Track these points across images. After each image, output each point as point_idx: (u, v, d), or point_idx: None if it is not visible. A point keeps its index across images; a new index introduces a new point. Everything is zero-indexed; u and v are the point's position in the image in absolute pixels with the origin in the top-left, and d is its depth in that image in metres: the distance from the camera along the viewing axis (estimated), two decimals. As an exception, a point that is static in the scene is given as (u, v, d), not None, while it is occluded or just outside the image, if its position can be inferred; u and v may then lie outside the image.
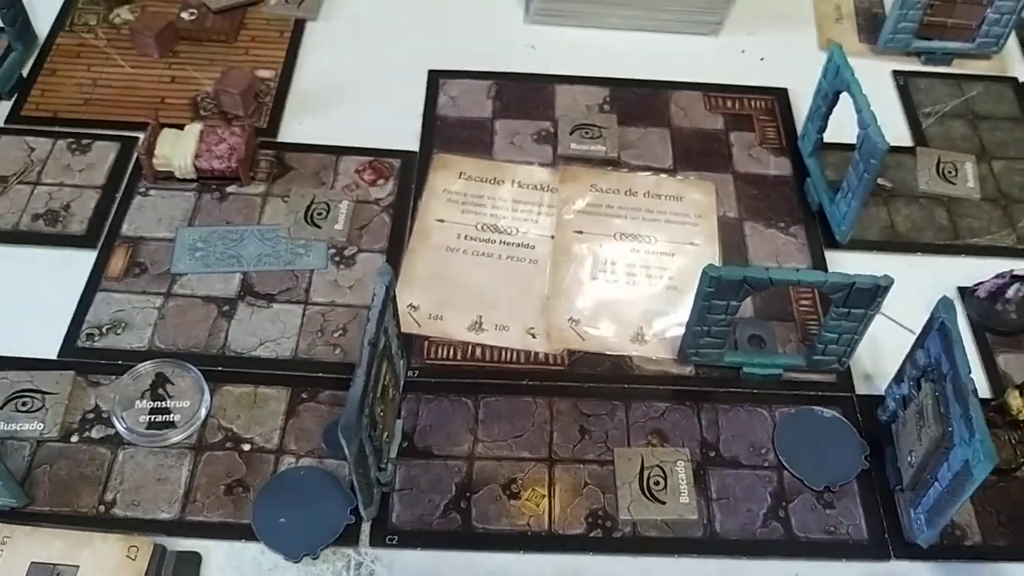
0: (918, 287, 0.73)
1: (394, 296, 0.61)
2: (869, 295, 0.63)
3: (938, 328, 0.61)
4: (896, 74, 0.92)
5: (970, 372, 0.58)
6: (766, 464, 0.66)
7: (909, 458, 0.63)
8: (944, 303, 0.61)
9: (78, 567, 0.57)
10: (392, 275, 0.59)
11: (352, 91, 0.86)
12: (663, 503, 0.63)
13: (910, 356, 0.64)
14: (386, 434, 0.61)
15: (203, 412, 0.64)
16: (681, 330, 0.70)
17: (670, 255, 0.77)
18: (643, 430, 0.67)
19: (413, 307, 0.72)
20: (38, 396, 0.64)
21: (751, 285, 0.63)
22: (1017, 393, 0.65)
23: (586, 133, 0.84)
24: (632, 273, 0.75)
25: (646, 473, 0.64)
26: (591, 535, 0.62)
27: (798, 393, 0.70)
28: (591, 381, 0.69)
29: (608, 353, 0.71)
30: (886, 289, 0.63)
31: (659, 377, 0.70)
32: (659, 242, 0.77)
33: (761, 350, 0.71)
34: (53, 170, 0.78)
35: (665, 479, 0.64)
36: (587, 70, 0.90)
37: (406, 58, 0.89)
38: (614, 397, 0.68)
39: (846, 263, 0.77)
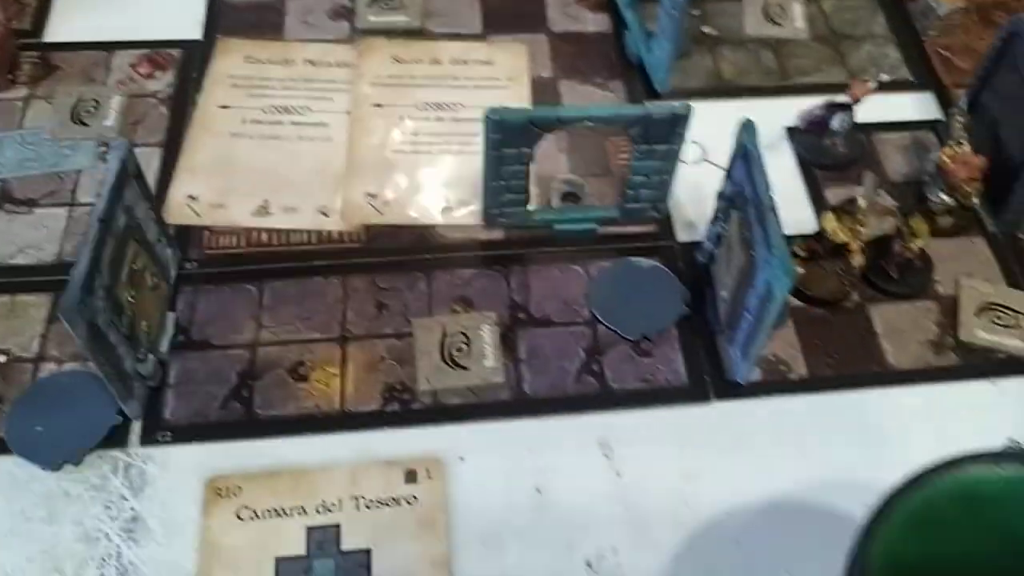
0: None
1: (142, 178, 0.55)
2: (667, 126, 0.59)
3: (741, 154, 0.57)
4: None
5: (769, 189, 0.54)
6: (579, 320, 0.61)
7: (723, 294, 0.59)
8: (745, 126, 0.56)
9: None
10: (127, 149, 0.53)
11: (127, -17, 0.79)
12: (466, 369, 0.58)
13: (720, 191, 0.60)
14: (145, 324, 0.55)
15: (-50, 327, 0.58)
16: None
17: (475, 121, 0.71)
18: (447, 299, 0.62)
19: (192, 198, 0.66)
20: None
21: (538, 126, 0.58)
22: (831, 215, 0.61)
23: (385, 4, 0.78)
24: (437, 143, 0.70)
25: (447, 341, 0.59)
26: (387, 409, 0.57)
27: (618, 247, 0.65)
28: (391, 255, 0.64)
29: (410, 225, 0.65)
30: (685, 118, 0.59)
31: (466, 244, 0.65)
32: (466, 108, 0.72)
33: (576, 206, 0.67)
34: None
35: (469, 344, 0.59)
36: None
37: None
38: (416, 269, 0.63)
39: (667, 112, 0.73)
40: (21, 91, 0.71)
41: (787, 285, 0.50)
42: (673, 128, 0.59)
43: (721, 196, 0.59)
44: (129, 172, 0.53)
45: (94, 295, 0.48)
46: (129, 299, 0.53)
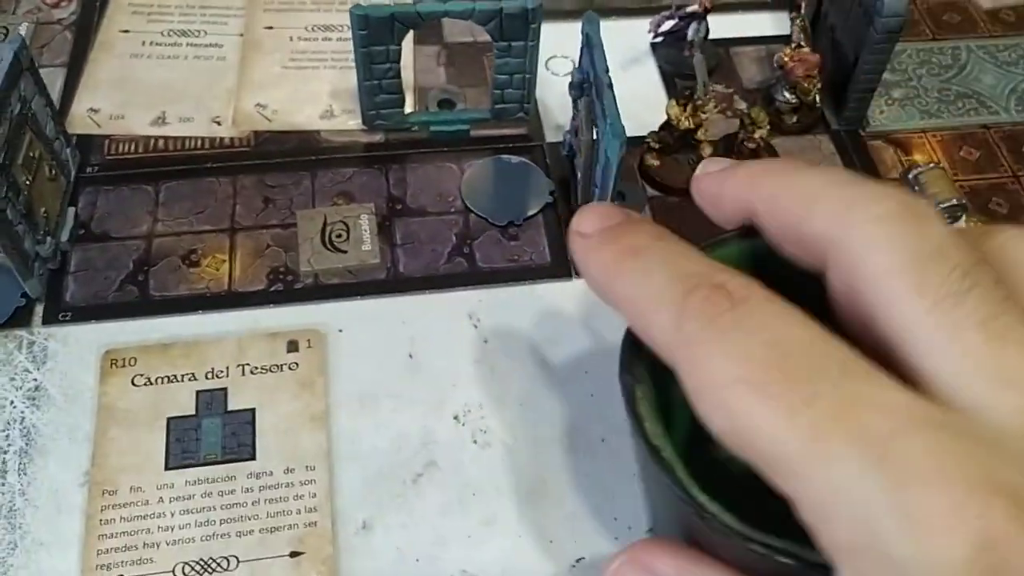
0: (612, 50, 0.75)
1: (36, 73, 0.60)
2: (522, 22, 0.65)
3: (585, 43, 0.63)
4: None
5: (607, 71, 0.59)
6: (452, 210, 0.67)
7: (578, 178, 0.66)
8: (588, 17, 0.62)
9: None
10: (22, 43, 0.58)
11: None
12: (344, 252, 0.64)
13: (570, 83, 0.66)
14: (44, 210, 0.60)
15: None
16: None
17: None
18: (329, 194, 0.67)
19: (93, 110, 0.71)
20: None
21: (402, 22, 0.64)
22: (674, 102, 0.67)
23: (286, -63, 0.83)
24: (323, 60, 0.75)
25: (328, 228, 0.65)
26: (272, 289, 0.62)
27: (490, 147, 0.71)
28: (278, 157, 0.69)
29: (296, 130, 0.71)
30: (536, 11, 0.64)
31: (348, 146, 0.70)
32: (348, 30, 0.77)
33: (451, 111, 0.72)
34: None
35: (348, 231, 0.65)
36: None
37: None
38: (301, 169, 0.69)
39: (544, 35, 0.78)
40: (-71, 21, 0.75)
41: (617, 144, 0.56)
42: (527, 24, 0.65)
43: (571, 86, 0.65)
44: (23, 64, 0.58)
45: (-14, 175, 0.53)
46: (26, 181, 0.58)
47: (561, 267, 0.65)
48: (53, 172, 0.62)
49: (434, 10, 0.64)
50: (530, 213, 0.67)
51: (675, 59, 0.78)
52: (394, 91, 0.68)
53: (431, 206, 0.67)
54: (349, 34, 0.76)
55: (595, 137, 0.61)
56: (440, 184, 0.69)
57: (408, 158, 0.70)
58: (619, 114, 0.57)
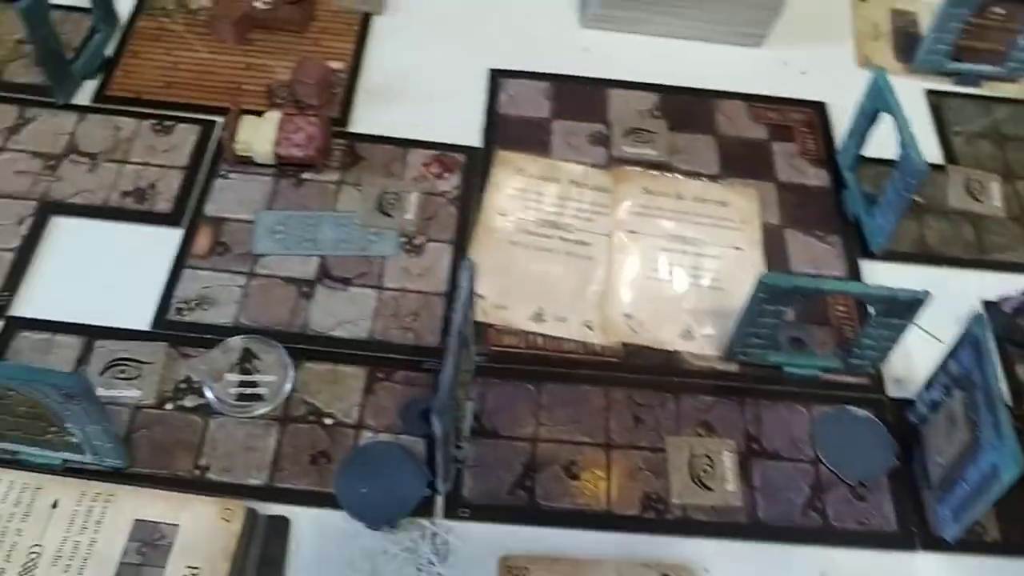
0: (946, 299, 0.78)
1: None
2: (907, 307, 0.69)
3: (971, 342, 0.66)
4: (929, 93, 0.97)
5: (999, 383, 0.63)
6: (804, 458, 0.71)
7: (937, 459, 0.69)
8: (977, 320, 0.66)
9: (178, 526, 0.62)
10: (474, 268, 0.64)
11: (417, 85, 0.91)
12: (711, 490, 0.68)
13: (943, 366, 0.70)
14: (462, 414, 0.66)
15: (288, 387, 0.69)
16: (726, 328, 0.75)
17: (716, 258, 0.82)
18: (691, 420, 0.72)
19: (480, 296, 0.77)
20: (134, 365, 0.69)
21: (802, 293, 0.68)
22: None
23: (638, 137, 0.89)
24: (681, 273, 0.80)
25: (694, 462, 0.69)
26: (645, 516, 0.67)
27: (834, 393, 0.75)
28: (644, 373, 0.74)
29: (659, 348, 0.76)
30: (923, 303, 0.68)
31: (706, 372, 0.75)
32: (706, 245, 0.82)
33: (801, 351, 0.77)
34: (139, 149, 0.82)
35: (713, 467, 0.69)
36: (638, 75, 0.94)
37: (468, 55, 0.94)
38: (665, 389, 0.73)
39: (879, 273, 0.82)
40: (334, 175, 0.82)
41: (1015, 472, 0.60)
42: (910, 309, 0.69)
43: (946, 372, 0.69)
44: (472, 287, 0.64)
45: (451, 396, 0.59)
46: (460, 397, 0.63)
47: (907, 538, 0.68)
48: (467, 376, 0.68)
49: (833, 289, 0.68)
50: (877, 474, 0.71)
51: (1009, 325, 0.80)
52: (768, 340, 0.72)
53: (784, 450, 0.71)
54: (704, 250, 0.82)
55: (974, 439, 0.64)
56: (791, 428, 0.73)
57: (761, 393, 0.74)
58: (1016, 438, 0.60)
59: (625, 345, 0.76)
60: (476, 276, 0.63)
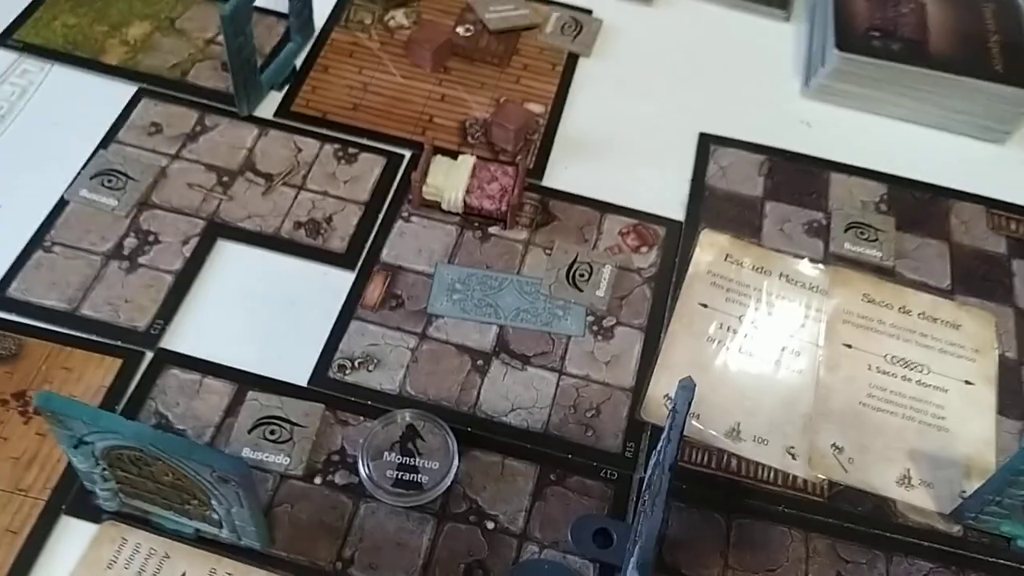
0: None
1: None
2: None
3: None
4: None
5: None
6: (1036, 661, 0.60)
7: None
8: None
9: (316, 626, 0.54)
10: (694, 390, 0.54)
11: (619, 142, 0.82)
12: None
13: None
14: (648, 551, 0.57)
15: (451, 476, 0.61)
16: (946, 478, 0.64)
17: (942, 391, 0.71)
18: (904, 590, 0.61)
19: (669, 398, 0.67)
20: (287, 427, 0.62)
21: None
22: None
23: (861, 234, 0.78)
24: (901, 404, 0.69)
25: (907, 645, 0.59)
26: None
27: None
28: (851, 521, 0.64)
29: (871, 492, 0.65)
30: None
31: (924, 531, 0.64)
32: (932, 373, 0.71)
33: (1039, 524, 0.65)
34: (318, 176, 0.76)
35: (927, 654, 0.59)
36: (863, 160, 0.84)
37: (676, 114, 0.85)
38: (875, 545, 0.63)
39: None
40: (522, 234, 0.74)
41: None
42: None
43: None
44: (688, 412, 0.55)
45: (657, 546, 0.50)
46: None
47: None
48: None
49: (1123, 471, 0.57)
50: None
51: None
52: (1010, 510, 0.61)
53: (1012, 648, 0.60)
54: (929, 379, 0.71)
55: None
56: (1022, 617, 0.61)
57: (986, 568, 0.63)
58: None
59: (832, 484, 0.65)
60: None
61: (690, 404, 0.54)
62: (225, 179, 0.74)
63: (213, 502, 0.53)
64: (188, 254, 0.70)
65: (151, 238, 0.70)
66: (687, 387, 0.54)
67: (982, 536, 0.64)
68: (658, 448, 0.56)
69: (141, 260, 0.69)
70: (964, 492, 0.65)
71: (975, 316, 0.75)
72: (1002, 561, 0.63)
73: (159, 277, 0.68)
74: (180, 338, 0.66)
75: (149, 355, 0.65)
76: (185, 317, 0.67)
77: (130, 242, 0.70)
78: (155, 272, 0.69)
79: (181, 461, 0.49)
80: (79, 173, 0.73)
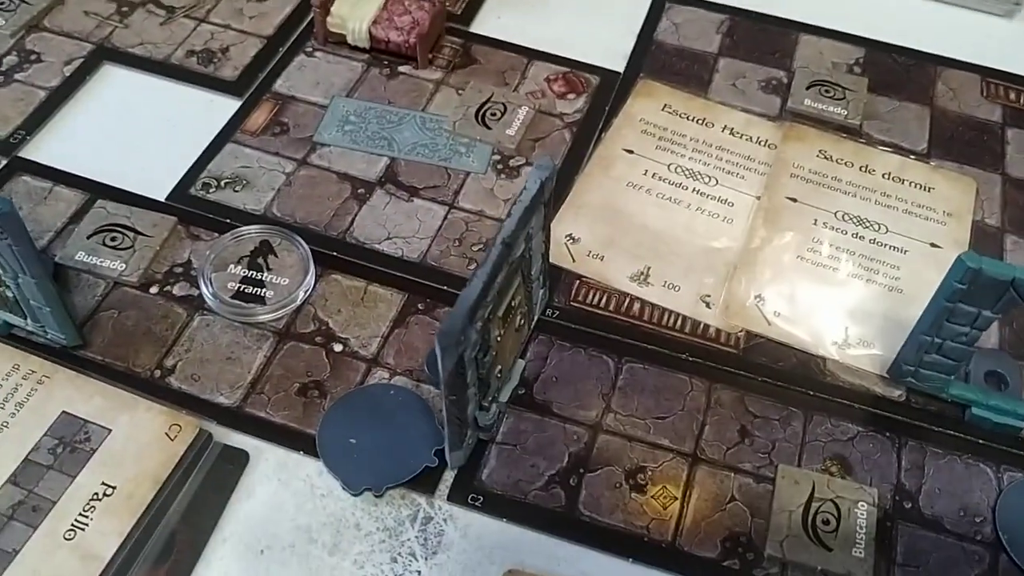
0: None
1: (549, 207, 0.49)
2: None
3: None
4: None
5: None
6: (978, 537, 0.49)
7: None
8: None
9: (110, 431, 0.48)
10: (553, 171, 0.46)
11: (564, -3, 0.75)
12: (829, 549, 0.48)
13: None
14: (499, 368, 0.49)
15: (301, 295, 0.55)
16: (896, 342, 0.54)
17: (901, 251, 0.61)
18: (822, 452, 0.52)
19: (572, 238, 0.59)
20: (130, 234, 0.56)
21: (1020, 293, 0.47)
22: None
23: (826, 91, 0.69)
24: (847, 261, 0.60)
25: (815, 506, 0.49)
26: (724, 563, 0.47)
27: (1037, 457, 0.52)
28: (768, 376, 0.54)
29: (796, 348, 0.56)
30: None
31: (857, 393, 0.54)
32: (890, 233, 0.62)
33: (999, 390, 0.54)
34: (224, 11, 0.71)
35: (838, 520, 0.49)
36: (842, 24, 0.74)
37: (634, -32, 0.77)
38: (793, 402, 0.53)
39: None
40: (435, 74, 0.68)
41: None
42: None
43: None
44: (544, 198, 0.47)
45: (473, 326, 0.42)
46: (497, 338, 0.46)
47: None
48: (520, 322, 0.51)
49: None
50: (1086, 585, 0.48)
51: None
52: (954, 358, 0.51)
53: (950, 521, 0.50)
54: (886, 239, 0.61)
55: None
56: (967, 492, 0.51)
57: (931, 436, 0.53)
58: None
59: (750, 334, 0.56)
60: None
61: (544, 184, 0.46)
62: (124, 9, 0.70)
63: (-1, 272, 0.47)
64: (68, 73, 0.65)
65: (33, 57, 0.66)
66: (542, 166, 0.46)
67: (928, 403, 0.54)
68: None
69: (17, 77, 0.65)
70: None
71: (952, 180, 0.65)
72: (953, 432, 0.53)
73: (31, 92, 0.64)
74: (40, 150, 0.61)
75: (2, 162, 0.60)
76: (51, 131, 0.62)
77: (9, 59, 0.66)
78: (28, 87, 0.64)
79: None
80: (-29, -4, 0.70)
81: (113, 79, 0.66)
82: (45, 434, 0.48)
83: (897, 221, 0.62)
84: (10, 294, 0.48)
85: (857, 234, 0.61)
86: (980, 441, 0.53)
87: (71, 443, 0.48)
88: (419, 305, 0.55)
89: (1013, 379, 0.55)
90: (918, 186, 0.64)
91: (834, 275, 0.59)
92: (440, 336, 0.40)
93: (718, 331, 0.56)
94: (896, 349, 0.54)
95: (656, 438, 0.51)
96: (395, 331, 0.54)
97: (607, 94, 0.68)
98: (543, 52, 0.70)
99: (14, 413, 0.48)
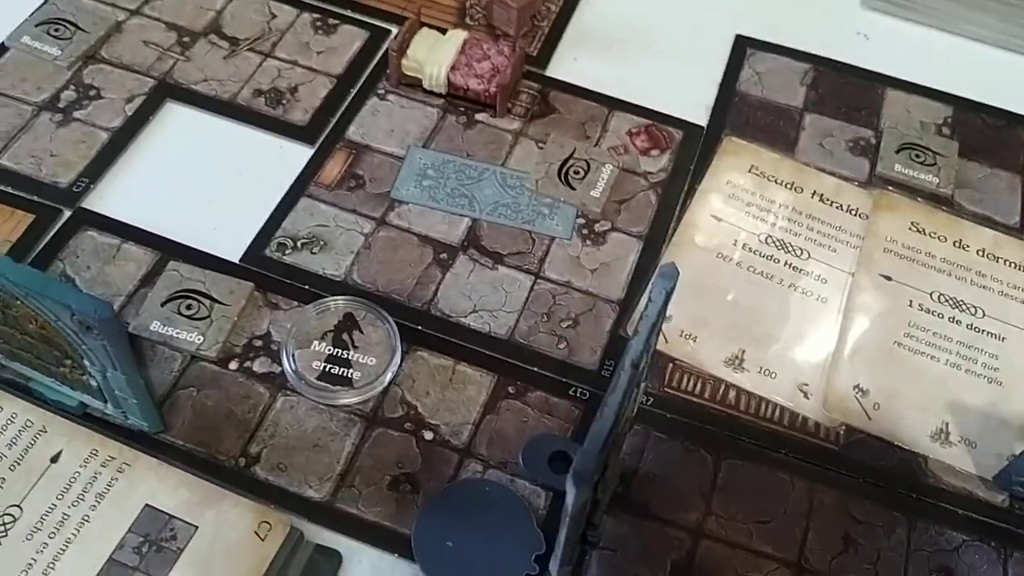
0: None
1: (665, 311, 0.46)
2: None
3: None
4: None
5: None
6: (1086, 662, 0.48)
7: None
8: None
9: (197, 528, 0.45)
10: (676, 280, 0.44)
11: (642, 37, 0.72)
12: (939, 673, 0.46)
13: None
14: (612, 476, 0.46)
15: (388, 376, 0.52)
16: (995, 440, 0.53)
17: (998, 338, 0.59)
18: (927, 563, 0.50)
19: (666, 318, 0.57)
20: (206, 302, 0.53)
21: None
22: None
23: (916, 156, 0.66)
24: (944, 349, 0.58)
25: (923, 626, 0.48)
26: None
27: None
28: (869, 476, 0.52)
29: (897, 445, 0.54)
30: None
31: (959, 496, 0.52)
32: (987, 318, 0.60)
33: (1104, 500, 0.53)
34: (290, 45, 0.67)
35: (947, 642, 0.47)
36: (928, 79, 0.72)
37: (711, 14, 0.74)
38: (896, 506, 0.52)
39: None
40: (514, 123, 0.64)
41: None
42: None
43: None
44: (666, 306, 0.44)
45: (602, 455, 0.40)
46: (612, 454, 0.44)
47: None
48: (628, 427, 0.48)
49: None
50: None
51: None
52: (1072, 473, 0.49)
53: (1058, 643, 0.48)
54: (982, 323, 0.59)
55: None
56: (1074, 609, 0.49)
57: (1034, 546, 0.51)
58: None
59: (850, 430, 0.54)
60: (673, 291, 0.43)
61: (669, 295, 0.43)
62: (186, 39, 0.66)
63: (86, 362, 0.44)
64: (130, 112, 0.62)
65: (92, 92, 0.62)
66: (667, 275, 0.43)
67: (1029, 506, 0.53)
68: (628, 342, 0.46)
69: (77, 115, 0.61)
70: (1014, 455, 0.53)
71: (1047, 259, 0.63)
72: (1055, 541, 0.52)
73: (93, 133, 0.60)
74: (106, 200, 0.58)
75: (67, 213, 0.57)
76: (116, 178, 0.59)
77: (68, 95, 0.62)
78: (89, 128, 0.61)
79: (38, 300, 0.41)
80: (25, 20, 0.66)
81: (177, 119, 0.62)
82: (129, 530, 0.45)
83: (994, 304, 0.60)
84: (94, 383, 0.46)
85: (954, 318, 0.59)
86: (1089, 554, 0.52)
87: (157, 541, 0.45)
88: (510, 388, 0.53)
89: (1117, 486, 0.54)
90: (1013, 265, 0.62)
91: (932, 364, 0.57)
92: (575, 476, 0.38)
93: (817, 425, 0.54)
94: (995, 447, 0.53)
95: (759, 545, 0.49)
96: (486, 417, 0.52)
97: (691, 150, 0.65)
98: (623, 101, 0.67)
99: (95, 505, 0.46)
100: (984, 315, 0.60)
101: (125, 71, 0.64)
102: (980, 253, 0.63)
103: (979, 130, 0.69)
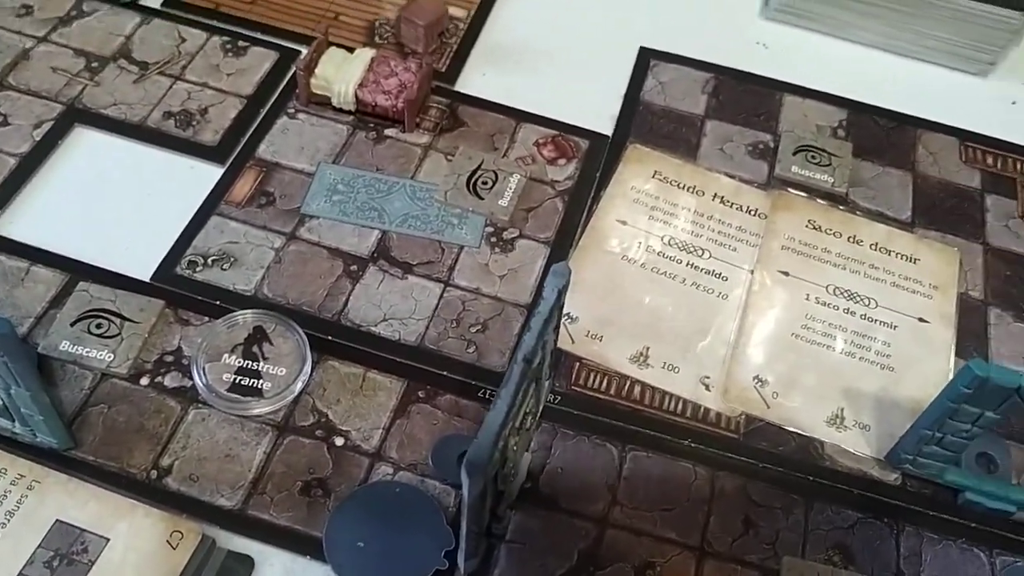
0: None
1: (562, 309, 0.48)
2: None
3: None
4: None
5: None
6: (975, 626, 0.50)
7: None
8: None
9: (108, 540, 0.46)
10: (568, 278, 0.46)
11: (549, 52, 0.74)
12: (836, 646, 0.48)
13: None
14: (512, 470, 0.48)
15: (299, 385, 0.53)
16: (887, 422, 0.55)
17: (890, 327, 0.62)
18: (824, 541, 0.52)
19: (570, 318, 0.59)
20: (117, 321, 0.54)
21: None
22: None
23: (812, 158, 0.69)
24: (840, 339, 0.60)
25: (821, 600, 0.50)
26: (736, 663, 0.48)
27: (1026, 540, 0.54)
28: (769, 462, 0.55)
29: (794, 431, 0.56)
30: None
31: (854, 477, 0.55)
32: (879, 308, 0.62)
33: (991, 474, 0.56)
34: (200, 68, 0.68)
35: (844, 614, 0.49)
36: (824, 85, 0.75)
37: (616, 27, 0.76)
38: (794, 489, 0.54)
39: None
40: (423, 138, 0.66)
41: None
42: None
43: None
44: (560, 303, 0.46)
45: (497, 448, 0.41)
46: (513, 447, 0.46)
47: None
48: (531, 422, 0.50)
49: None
50: (1080, 674, 0.49)
51: None
52: (953, 450, 0.52)
53: (949, 610, 0.51)
54: (876, 314, 0.62)
55: None
56: (963, 578, 0.52)
57: (926, 521, 0.54)
58: None
59: (750, 419, 0.56)
60: (571, 293, 0.45)
61: (561, 293, 0.45)
62: (95, 64, 0.67)
63: (-13, 383, 0.45)
64: (39, 138, 0.62)
65: (-1, 120, 0.63)
66: (558, 273, 0.45)
67: (923, 486, 0.55)
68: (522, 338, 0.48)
69: (-17, 142, 0.62)
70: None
71: (937, 251, 0.66)
72: (947, 516, 0.54)
73: (0, 160, 0.61)
74: (15, 224, 0.59)
75: (-27, 240, 0.58)
76: (24, 203, 0.60)
77: (-27, 123, 0.63)
78: (-3, 155, 0.61)
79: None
80: (-70, 52, 0.66)
81: (87, 143, 0.63)
82: (39, 545, 0.46)
83: (885, 295, 0.63)
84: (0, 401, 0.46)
85: (848, 309, 0.62)
86: (973, 525, 0.54)
87: (68, 555, 0.45)
88: (419, 393, 0.54)
89: (1003, 460, 0.56)
90: (904, 257, 0.65)
91: (828, 354, 0.60)
92: (468, 466, 0.39)
93: (719, 415, 0.56)
94: (888, 429, 0.55)
95: (663, 531, 0.51)
96: (396, 421, 0.53)
97: (597, 158, 0.67)
98: (531, 114, 0.69)
99: (4, 523, 0.46)
100: (877, 305, 0.63)
101: (33, 97, 0.64)
102: (873, 247, 0.66)
103: (872, 131, 0.73)
